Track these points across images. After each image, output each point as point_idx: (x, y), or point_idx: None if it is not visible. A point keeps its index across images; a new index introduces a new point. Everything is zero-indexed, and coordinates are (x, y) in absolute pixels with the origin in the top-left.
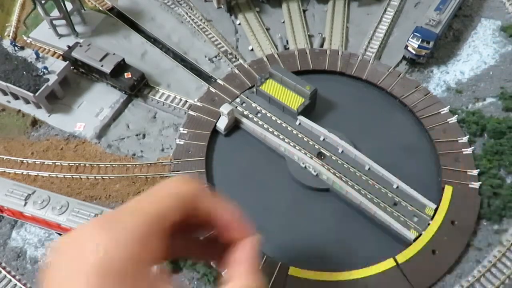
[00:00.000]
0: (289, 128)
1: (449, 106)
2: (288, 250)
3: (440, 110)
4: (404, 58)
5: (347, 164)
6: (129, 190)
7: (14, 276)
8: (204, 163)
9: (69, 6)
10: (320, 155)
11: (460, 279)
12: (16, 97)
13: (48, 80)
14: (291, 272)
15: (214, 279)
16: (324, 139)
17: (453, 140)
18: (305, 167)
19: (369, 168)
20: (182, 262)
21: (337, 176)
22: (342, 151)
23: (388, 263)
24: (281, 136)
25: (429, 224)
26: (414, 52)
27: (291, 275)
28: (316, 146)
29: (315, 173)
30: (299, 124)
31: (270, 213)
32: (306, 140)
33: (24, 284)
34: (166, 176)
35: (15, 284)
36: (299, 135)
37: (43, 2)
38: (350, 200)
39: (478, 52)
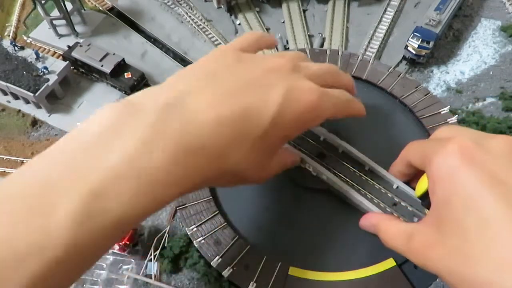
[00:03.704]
0: None
1: (449, 106)
2: (288, 250)
3: (440, 110)
4: (404, 58)
5: (347, 164)
6: None
7: None
8: None
9: (69, 6)
10: (320, 155)
11: None
12: (16, 97)
13: (48, 80)
14: (291, 272)
15: (215, 279)
16: (324, 139)
17: None
18: (305, 167)
19: (369, 169)
20: (182, 262)
21: (336, 176)
22: (342, 151)
23: (388, 263)
24: None
25: None
26: (414, 52)
27: (291, 275)
28: (316, 146)
29: (314, 173)
30: None
31: (270, 213)
32: (306, 139)
33: None
34: None
35: None
36: (299, 135)
37: (43, 2)
38: (349, 200)
39: (478, 52)
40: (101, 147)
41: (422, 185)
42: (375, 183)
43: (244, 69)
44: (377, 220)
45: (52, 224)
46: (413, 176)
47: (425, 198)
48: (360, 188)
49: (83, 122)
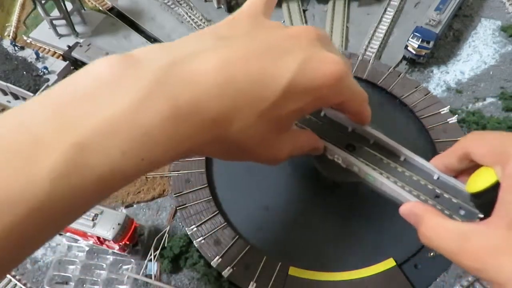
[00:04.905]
0: (313, 119)
1: (449, 106)
2: (288, 250)
3: (440, 110)
4: (404, 58)
5: (379, 155)
6: (129, 190)
7: (14, 276)
8: (204, 162)
9: (69, 6)
10: (349, 147)
11: (460, 279)
12: (16, 97)
13: (48, 80)
14: (291, 272)
15: (215, 279)
16: (353, 130)
17: (453, 140)
18: (334, 159)
19: (404, 159)
20: (182, 262)
21: (370, 168)
22: (374, 142)
23: (388, 263)
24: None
25: (478, 217)
26: (414, 52)
27: (291, 275)
28: (345, 137)
29: (344, 165)
30: (324, 115)
31: (270, 213)
32: (332, 130)
33: (24, 284)
34: (166, 176)
35: (15, 284)
36: (324, 126)
37: (43, 2)
38: (384, 192)
39: (478, 52)
40: (94, 100)
41: (480, 181)
42: (413, 174)
43: (262, 34)
44: (421, 210)
45: (34, 173)
46: (460, 172)
47: (481, 197)
48: (397, 180)
49: (78, 71)
